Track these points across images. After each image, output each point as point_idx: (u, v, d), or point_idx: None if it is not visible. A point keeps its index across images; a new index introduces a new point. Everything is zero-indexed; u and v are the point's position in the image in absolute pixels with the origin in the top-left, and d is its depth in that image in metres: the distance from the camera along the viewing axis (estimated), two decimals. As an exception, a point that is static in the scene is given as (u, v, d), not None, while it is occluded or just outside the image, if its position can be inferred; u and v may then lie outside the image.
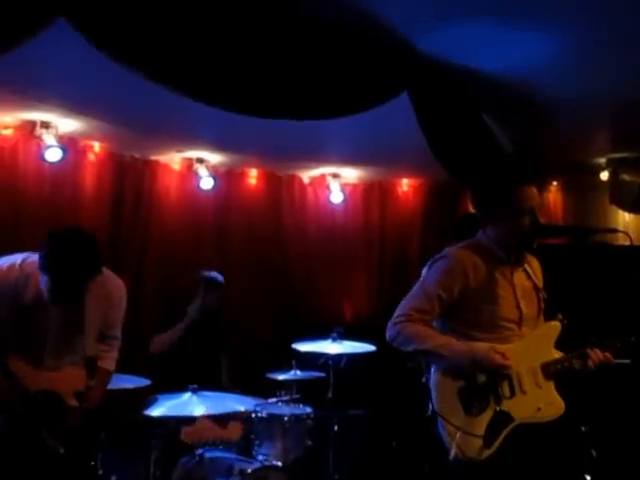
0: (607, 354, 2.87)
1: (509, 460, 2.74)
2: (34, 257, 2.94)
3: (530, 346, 2.89)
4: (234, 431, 3.65)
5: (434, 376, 2.86)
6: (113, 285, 3.23)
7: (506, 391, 2.82)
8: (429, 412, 2.91)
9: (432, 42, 4.17)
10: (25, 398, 2.85)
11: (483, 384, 2.79)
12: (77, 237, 2.88)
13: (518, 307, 2.90)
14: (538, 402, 2.83)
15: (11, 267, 2.97)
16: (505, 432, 2.76)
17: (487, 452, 2.72)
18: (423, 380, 4.58)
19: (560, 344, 2.97)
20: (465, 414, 2.75)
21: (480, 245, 2.94)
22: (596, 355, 2.85)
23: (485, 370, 2.78)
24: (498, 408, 2.77)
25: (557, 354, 2.94)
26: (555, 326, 2.95)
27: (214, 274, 5.12)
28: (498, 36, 4.08)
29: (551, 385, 2.90)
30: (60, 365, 3.04)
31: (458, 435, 2.70)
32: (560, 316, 2.95)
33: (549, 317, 2.98)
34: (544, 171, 6.09)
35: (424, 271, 3.82)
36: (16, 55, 3.41)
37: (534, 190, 2.89)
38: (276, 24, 3.93)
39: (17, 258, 3.01)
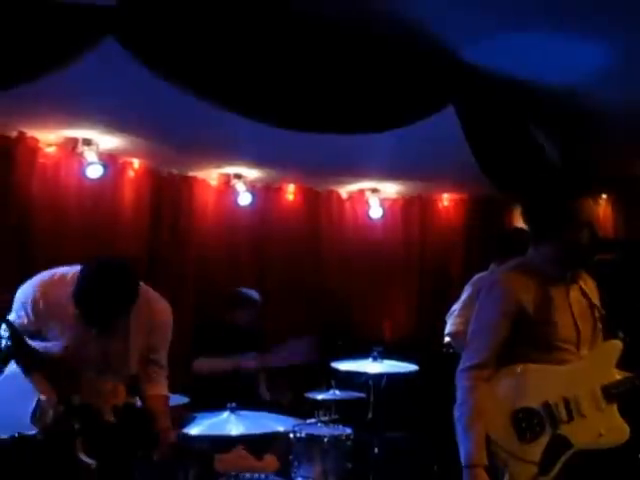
0: None
1: None
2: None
3: (589, 367, 2.74)
4: (271, 464, 3.50)
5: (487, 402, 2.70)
6: (157, 308, 3.14)
7: (563, 415, 2.66)
8: None
9: (479, 53, 4.11)
10: (66, 403, 2.76)
11: (538, 408, 2.64)
12: (107, 270, 2.83)
13: (576, 327, 2.75)
14: (599, 427, 2.66)
15: (62, 278, 2.92)
16: (563, 459, 2.60)
17: (544, 479, 2.58)
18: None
19: (622, 364, 2.81)
20: (519, 440, 2.60)
21: (531, 265, 2.79)
22: None
23: None
24: (556, 432, 2.62)
25: (619, 375, 2.78)
26: (616, 345, 2.80)
27: (247, 291, 5.07)
28: (547, 46, 4.02)
29: (613, 409, 2.73)
30: (100, 380, 2.96)
31: (511, 462, 2.57)
32: (621, 334, 2.81)
33: (608, 336, 2.83)
34: (596, 184, 5.95)
35: (473, 295, 3.67)
36: (59, 74, 3.46)
37: (591, 203, 2.76)
38: (321, 38, 3.91)
39: (66, 270, 2.97)
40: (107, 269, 2.84)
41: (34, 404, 2.72)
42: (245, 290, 5.08)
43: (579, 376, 2.71)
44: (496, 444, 2.59)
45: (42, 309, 2.86)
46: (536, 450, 2.60)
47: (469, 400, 2.65)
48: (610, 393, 2.72)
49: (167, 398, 3.21)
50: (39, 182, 4.99)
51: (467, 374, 2.68)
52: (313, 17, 3.81)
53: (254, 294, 5.06)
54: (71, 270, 2.92)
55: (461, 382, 2.70)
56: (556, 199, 2.76)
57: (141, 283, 3.02)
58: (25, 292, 2.90)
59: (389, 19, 3.79)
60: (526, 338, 2.70)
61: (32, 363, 2.79)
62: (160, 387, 3.17)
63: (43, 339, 2.91)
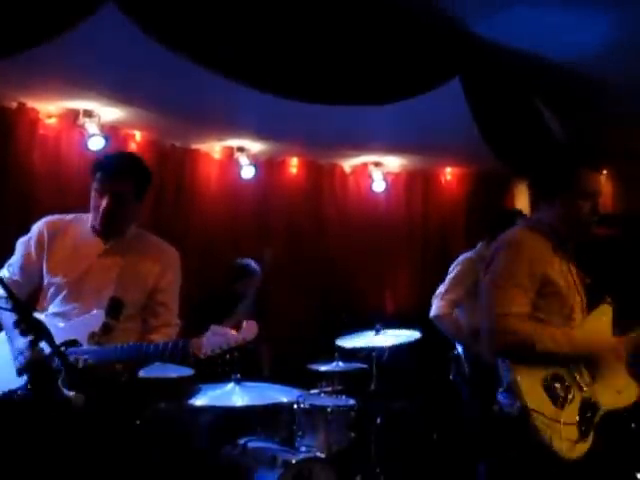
0: None
1: (607, 453, 2.62)
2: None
3: (595, 330, 2.78)
4: (249, 329, 3.21)
5: (511, 373, 2.63)
6: (166, 249, 3.07)
7: (587, 377, 2.68)
8: (515, 409, 2.60)
9: (487, 25, 4.09)
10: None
11: (564, 372, 2.64)
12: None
13: (580, 295, 2.79)
14: (617, 385, 2.71)
15: (64, 215, 3.07)
16: (595, 421, 2.61)
17: (584, 445, 2.56)
18: (450, 377, 4.51)
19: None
20: (554, 405, 2.57)
21: (539, 230, 2.76)
22: None
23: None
24: (583, 395, 2.62)
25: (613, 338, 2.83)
26: (608, 309, 2.85)
27: (247, 262, 5.06)
28: (555, 19, 4.01)
29: (623, 367, 2.78)
30: (81, 309, 2.87)
31: (554, 428, 2.52)
32: (609, 299, 2.85)
33: (595, 303, 2.87)
34: (599, 157, 5.93)
35: (460, 275, 3.60)
36: (59, 43, 3.42)
37: (596, 175, 2.77)
38: (327, 5, 3.86)
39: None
40: None
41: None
42: (244, 260, 5.08)
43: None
44: (536, 412, 2.54)
45: (46, 238, 2.92)
46: (572, 413, 2.59)
47: (530, 334, 2.58)
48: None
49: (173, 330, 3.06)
50: (40, 154, 4.97)
51: (510, 319, 2.58)
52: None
53: (252, 264, 5.06)
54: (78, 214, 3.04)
55: (494, 343, 2.62)
56: (561, 168, 2.77)
57: None
58: (32, 229, 2.99)
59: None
60: (550, 302, 2.69)
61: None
62: (167, 320, 3.03)
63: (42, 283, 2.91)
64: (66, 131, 5.07)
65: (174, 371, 3.94)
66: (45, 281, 2.91)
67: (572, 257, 2.83)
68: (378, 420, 4.63)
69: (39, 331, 2.30)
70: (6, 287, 2.34)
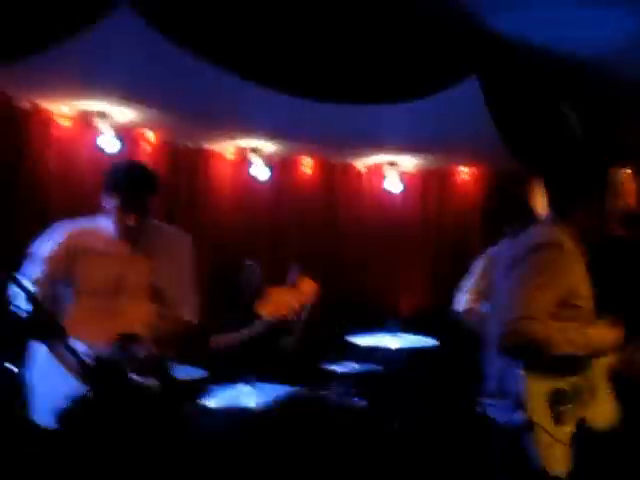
0: None
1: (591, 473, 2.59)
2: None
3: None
4: (306, 290, 3.21)
5: (523, 383, 2.57)
6: (182, 237, 3.33)
7: (587, 395, 2.63)
8: (519, 422, 2.56)
9: (505, 21, 4.02)
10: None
11: (568, 388, 2.59)
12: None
13: (594, 301, 2.72)
14: (608, 405, 2.69)
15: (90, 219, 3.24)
16: (584, 440, 2.58)
17: (570, 465, 2.53)
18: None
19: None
20: (553, 422, 2.54)
21: (568, 230, 2.67)
22: None
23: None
24: (580, 413, 2.59)
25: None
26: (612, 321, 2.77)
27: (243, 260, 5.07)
28: (574, 14, 3.92)
29: (609, 386, 2.74)
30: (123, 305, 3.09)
31: (553, 445, 2.50)
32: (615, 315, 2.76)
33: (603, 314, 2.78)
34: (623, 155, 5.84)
35: (487, 267, 3.57)
36: (72, 44, 3.43)
37: (621, 174, 2.71)
38: (339, 5, 3.83)
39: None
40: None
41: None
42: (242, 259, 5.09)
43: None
44: (542, 428, 2.51)
45: (72, 248, 3.07)
46: (566, 433, 2.55)
47: (533, 335, 2.49)
48: (613, 372, 2.72)
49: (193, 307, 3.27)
50: (53, 155, 4.96)
51: (528, 322, 2.49)
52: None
53: (249, 261, 5.04)
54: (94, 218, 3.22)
55: (511, 339, 2.53)
56: (592, 168, 2.71)
57: None
58: (53, 237, 3.12)
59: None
60: (565, 313, 2.59)
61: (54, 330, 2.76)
62: (189, 299, 3.25)
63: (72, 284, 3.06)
64: (79, 132, 5.06)
65: (185, 372, 3.94)
66: (81, 284, 3.06)
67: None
68: (391, 423, 4.59)
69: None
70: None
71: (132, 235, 3.12)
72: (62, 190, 5.00)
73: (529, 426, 2.50)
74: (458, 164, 6.68)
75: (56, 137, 4.97)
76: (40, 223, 4.83)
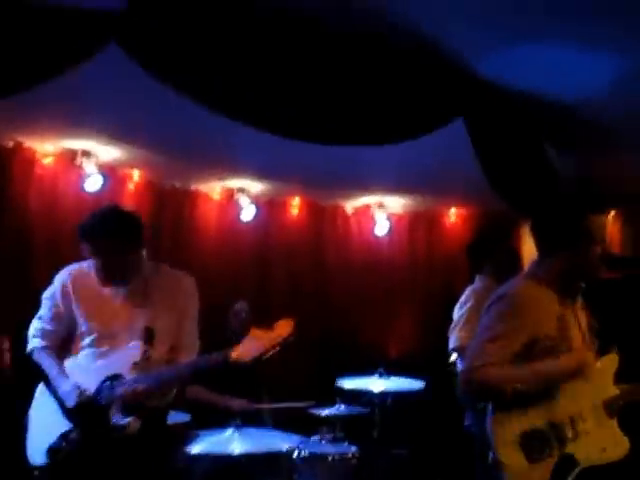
0: None
1: None
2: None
3: (591, 383, 2.71)
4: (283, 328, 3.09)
5: (491, 422, 2.63)
6: (182, 278, 3.26)
7: (569, 432, 2.61)
8: (490, 461, 2.62)
9: (490, 65, 4.05)
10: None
11: (545, 427, 2.58)
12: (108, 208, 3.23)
13: (585, 343, 2.74)
14: (603, 442, 2.65)
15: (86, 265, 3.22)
16: (571, 477, 2.55)
17: None
18: (466, 422, 4.38)
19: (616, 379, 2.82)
20: (527, 461, 2.54)
21: (541, 278, 2.71)
22: None
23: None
24: (563, 452, 2.56)
25: (616, 389, 2.77)
26: (613, 359, 2.81)
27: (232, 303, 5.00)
28: (559, 59, 3.96)
29: (614, 423, 2.73)
30: (116, 347, 3.09)
31: None
32: (615, 349, 2.81)
33: (603, 351, 2.83)
34: (606, 200, 5.87)
35: (475, 306, 3.61)
36: (58, 83, 3.39)
37: (603, 219, 2.77)
38: (331, 48, 3.85)
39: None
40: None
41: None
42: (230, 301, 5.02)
43: (582, 392, 2.67)
44: (507, 467, 2.53)
45: (72, 291, 3.12)
46: (545, 470, 2.54)
47: (486, 378, 2.56)
48: (612, 408, 2.72)
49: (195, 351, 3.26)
50: (36, 194, 4.88)
51: (482, 370, 2.56)
52: (323, 28, 3.75)
53: (238, 303, 5.04)
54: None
55: (468, 385, 2.62)
56: (569, 216, 2.72)
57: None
58: (54, 283, 3.19)
59: (401, 31, 3.74)
60: (538, 353, 2.62)
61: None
62: (190, 343, 3.22)
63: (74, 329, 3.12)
64: (63, 171, 4.99)
65: (169, 417, 3.82)
66: (78, 327, 3.11)
67: (583, 304, 2.79)
68: (381, 468, 4.50)
69: None
70: None
71: (104, 278, 3.09)
72: (45, 229, 4.91)
73: (498, 466, 2.55)
74: (446, 206, 6.68)
75: (39, 176, 4.89)
76: (23, 262, 4.80)
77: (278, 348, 2.86)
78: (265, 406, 4.79)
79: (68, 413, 2.93)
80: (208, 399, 4.61)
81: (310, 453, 3.99)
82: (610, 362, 2.80)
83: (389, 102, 4.08)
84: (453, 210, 6.73)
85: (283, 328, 2.87)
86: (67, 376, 3.04)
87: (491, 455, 2.59)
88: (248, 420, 3.88)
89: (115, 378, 2.96)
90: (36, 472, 2.81)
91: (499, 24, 3.65)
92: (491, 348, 2.57)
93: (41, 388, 3.13)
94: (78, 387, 2.95)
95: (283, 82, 3.80)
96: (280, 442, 3.90)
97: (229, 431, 3.81)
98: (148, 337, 2.95)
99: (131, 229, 3.11)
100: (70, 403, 2.92)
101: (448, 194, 6.22)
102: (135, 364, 2.93)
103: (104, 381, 2.96)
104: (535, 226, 2.82)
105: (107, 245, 3.02)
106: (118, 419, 2.86)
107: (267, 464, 3.91)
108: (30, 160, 4.85)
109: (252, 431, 3.88)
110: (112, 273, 3.06)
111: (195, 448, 3.64)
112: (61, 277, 3.21)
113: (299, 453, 3.96)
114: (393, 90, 4.08)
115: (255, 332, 2.84)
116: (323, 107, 3.93)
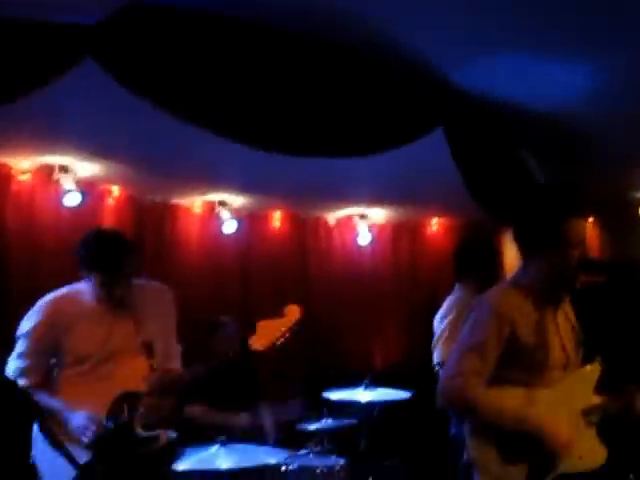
0: None
1: None
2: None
3: (570, 390, 2.70)
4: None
5: (469, 424, 2.66)
6: (162, 290, 3.38)
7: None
8: (464, 461, 2.66)
9: (468, 75, 4.10)
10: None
11: (522, 432, 2.56)
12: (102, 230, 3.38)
13: (565, 351, 2.73)
14: (579, 450, 2.63)
15: (67, 290, 3.24)
16: None
17: None
18: (452, 432, 4.36)
19: (598, 388, 2.81)
20: (503, 463, 2.54)
21: (523, 285, 2.73)
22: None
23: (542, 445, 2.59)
24: (538, 455, 2.55)
25: (596, 399, 2.76)
26: (595, 369, 2.79)
27: (219, 318, 4.94)
28: (533, 69, 4.02)
29: (593, 432, 2.73)
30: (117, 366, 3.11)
31: None
32: (599, 359, 2.81)
33: (586, 359, 2.83)
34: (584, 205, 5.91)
35: (456, 319, 3.61)
36: (34, 98, 3.36)
37: (581, 224, 2.75)
38: (305, 58, 3.86)
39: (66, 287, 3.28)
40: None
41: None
42: (216, 317, 4.95)
43: (561, 399, 2.66)
44: (482, 467, 2.55)
45: (60, 323, 3.10)
46: (520, 474, 2.55)
47: (465, 396, 2.56)
48: (590, 417, 2.71)
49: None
50: (13, 211, 4.80)
51: (460, 378, 2.57)
52: (300, 38, 3.77)
53: (225, 318, 4.93)
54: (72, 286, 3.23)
55: (447, 394, 2.61)
56: (547, 220, 2.72)
57: None
58: (31, 320, 3.15)
59: (378, 42, 3.77)
60: (515, 360, 2.63)
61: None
62: (175, 351, 3.33)
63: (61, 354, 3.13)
64: (40, 187, 4.91)
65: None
66: (67, 357, 3.10)
67: (566, 310, 2.80)
68: (370, 479, 4.47)
69: None
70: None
71: (115, 299, 3.13)
72: (22, 247, 4.83)
73: (472, 465, 2.56)
74: (428, 216, 6.70)
75: (16, 192, 4.81)
76: (0, 279, 4.71)
77: (289, 334, 3.00)
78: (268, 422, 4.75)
79: (90, 444, 2.90)
80: (208, 417, 4.56)
81: (298, 466, 3.95)
82: (591, 372, 2.79)
83: (369, 113, 4.10)
84: (435, 220, 6.75)
85: (293, 313, 2.98)
86: (71, 409, 3.00)
87: (466, 456, 2.61)
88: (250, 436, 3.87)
89: (130, 397, 2.97)
90: None
91: (477, 34, 3.69)
92: (470, 357, 2.58)
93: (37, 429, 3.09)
94: (91, 418, 2.92)
95: (263, 95, 3.80)
96: (267, 456, 3.86)
97: (215, 447, 3.78)
98: (148, 351, 2.99)
99: (129, 245, 3.19)
100: (86, 437, 2.89)
101: (429, 204, 6.24)
102: (144, 377, 2.96)
103: (115, 402, 2.96)
104: (516, 231, 2.82)
105: (119, 270, 3.05)
106: (145, 434, 2.92)
107: (255, 479, 3.88)
108: (6, 177, 4.77)
109: (238, 446, 3.84)
110: (118, 294, 3.09)
111: (182, 465, 3.58)
112: (43, 310, 3.16)
113: (287, 467, 3.92)
114: (373, 101, 4.09)
115: (264, 322, 2.95)
116: (303, 119, 3.93)
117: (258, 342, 2.89)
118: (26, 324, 3.16)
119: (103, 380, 3.06)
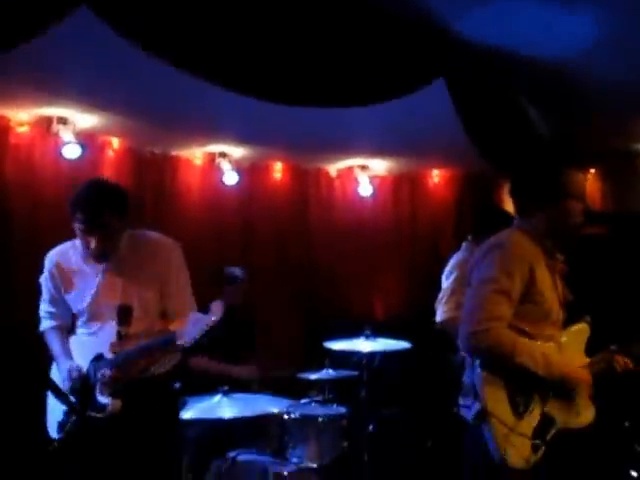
0: (627, 361, 2.75)
1: (552, 469, 2.59)
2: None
3: (567, 347, 2.73)
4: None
5: (479, 374, 2.61)
6: (159, 242, 3.25)
7: (550, 393, 2.63)
8: (474, 413, 2.59)
9: (470, 24, 4.00)
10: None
11: (531, 381, 2.58)
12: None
13: (561, 305, 2.74)
14: (577, 407, 2.69)
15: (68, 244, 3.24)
16: (548, 437, 2.59)
17: (534, 458, 2.54)
18: (463, 379, 4.41)
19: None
20: (513, 414, 2.55)
21: (530, 233, 2.70)
22: (622, 361, 2.75)
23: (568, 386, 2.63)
24: (544, 409, 2.59)
25: (586, 358, 2.79)
26: (585, 329, 2.82)
27: (231, 270, 4.94)
28: (538, 17, 3.91)
29: (586, 389, 2.75)
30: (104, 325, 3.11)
31: (510, 437, 2.50)
32: (588, 318, 2.82)
33: (576, 317, 2.84)
34: (585, 157, 5.88)
35: (460, 278, 3.58)
36: (31, 49, 3.29)
37: (582, 176, 2.75)
38: (305, 7, 3.78)
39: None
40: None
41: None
42: (229, 268, 4.96)
43: (564, 355, 2.69)
44: (497, 418, 2.52)
45: (58, 275, 3.17)
46: (528, 425, 2.57)
47: (496, 341, 2.51)
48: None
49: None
50: (12, 164, 4.79)
51: (495, 322, 2.51)
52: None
53: (237, 271, 4.94)
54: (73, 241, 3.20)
55: (476, 342, 2.54)
56: (549, 170, 2.71)
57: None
58: (45, 268, 3.22)
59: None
60: (523, 309, 2.61)
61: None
62: (182, 310, 3.14)
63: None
64: (39, 139, 4.89)
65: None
66: (72, 308, 3.19)
67: (560, 268, 2.78)
68: (371, 428, 4.54)
69: None
70: None
71: (100, 255, 3.07)
72: (22, 199, 4.83)
73: (483, 416, 2.52)
74: (430, 167, 6.67)
75: (15, 145, 4.79)
76: (2, 231, 4.72)
77: (209, 331, 2.82)
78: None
79: (68, 392, 2.98)
80: (214, 368, 4.60)
81: (300, 415, 3.99)
82: (583, 331, 2.82)
83: (369, 63, 4.04)
84: (436, 172, 6.72)
85: (217, 310, 2.84)
86: (70, 357, 3.11)
87: (476, 407, 2.56)
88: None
89: (98, 359, 3.01)
90: (55, 444, 2.91)
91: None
92: (498, 301, 2.54)
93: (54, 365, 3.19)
94: (73, 368, 3.01)
95: (263, 44, 3.73)
96: (270, 406, 3.94)
97: (217, 397, 3.86)
98: (122, 316, 2.92)
99: (122, 198, 3.10)
100: (65, 385, 2.98)
101: (430, 156, 6.19)
102: (111, 345, 2.95)
103: (92, 361, 3.02)
104: (515, 184, 2.80)
105: (104, 218, 2.98)
106: (99, 400, 2.93)
107: (258, 427, 3.95)
108: (4, 129, 4.75)
109: (240, 396, 3.93)
110: (104, 249, 3.02)
111: (186, 414, 3.65)
112: (47, 263, 3.22)
113: (289, 416, 3.97)
114: (373, 50, 4.03)
115: (196, 315, 2.84)
116: (302, 68, 3.87)
117: (184, 337, 2.81)
118: (44, 272, 3.24)
119: (91, 337, 3.12)
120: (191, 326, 2.80)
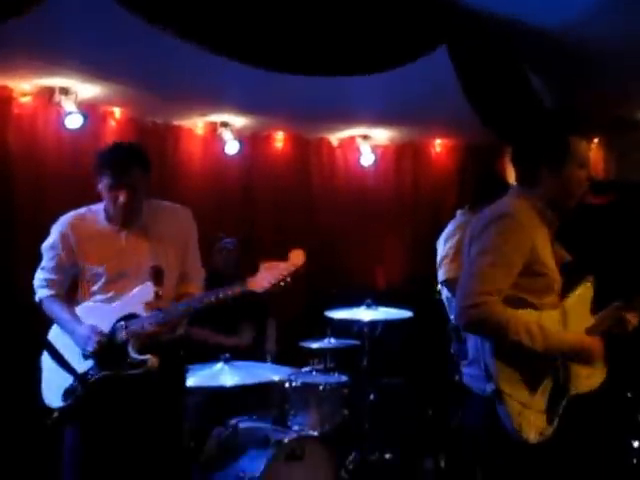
0: (635, 316, 2.69)
1: (567, 439, 2.55)
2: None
3: (572, 311, 2.66)
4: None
5: (490, 351, 2.52)
6: (176, 209, 3.35)
7: (559, 361, 2.58)
8: (487, 391, 2.52)
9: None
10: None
11: (540, 354, 2.52)
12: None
13: (560, 273, 2.67)
14: (586, 369, 2.62)
15: (84, 210, 3.25)
16: (562, 405, 2.54)
17: (549, 430, 2.50)
18: (452, 351, 4.43)
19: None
20: (527, 389, 2.50)
21: (531, 201, 2.64)
22: (633, 319, 2.67)
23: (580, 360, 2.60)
24: (555, 379, 2.55)
25: (592, 319, 2.71)
26: (589, 289, 2.74)
27: (223, 238, 4.97)
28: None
29: None
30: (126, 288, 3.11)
31: (525, 413, 2.47)
32: (590, 278, 2.74)
33: (578, 279, 2.76)
34: (589, 125, 5.84)
35: (463, 239, 3.54)
36: (33, 18, 3.27)
37: (586, 143, 2.67)
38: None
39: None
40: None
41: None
42: (221, 236, 4.98)
43: (567, 320, 2.63)
44: (509, 395, 2.47)
45: (74, 238, 3.15)
46: (542, 399, 2.53)
47: (491, 318, 2.43)
48: (593, 334, 2.67)
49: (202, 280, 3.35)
50: (15, 134, 4.79)
51: (471, 303, 2.44)
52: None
53: (226, 240, 4.98)
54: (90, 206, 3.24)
55: (470, 317, 2.45)
56: (552, 136, 2.65)
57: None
58: (52, 234, 3.20)
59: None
60: (527, 281, 2.55)
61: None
62: (197, 274, 3.31)
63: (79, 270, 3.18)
64: (42, 109, 4.88)
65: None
66: (85, 274, 3.16)
67: (555, 235, 2.72)
68: (371, 396, 4.59)
69: None
70: None
71: (125, 215, 3.11)
72: (25, 169, 4.83)
73: (498, 396, 2.47)
74: (432, 136, 6.64)
75: (17, 115, 4.79)
76: (5, 201, 4.74)
77: (289, 279, 2.88)
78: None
79: (87, 355, 2.99)
80: (216, 341, 4.63)
81: (302, 383, 4.04)
82: (587, 291, 2.74)
83: (371, 30, 4.01)
84: (438, 141, 6.70)
85: (296, 258, 2.90)
86: (80, 321, 3.08)
87: (491, 386, 2.49)
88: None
89: (129, 318, 3.01)
90: (56, 414, 2.82)
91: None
92: (494, 274, 2.46)
93: (54, 332, 3.16)
94: (94, 329, 3.00)
95: (265, 13, 3.70)
96: (271, 374, 3.98)
97: (219, 365, 3.89)
98: (156, 277, 2.96)
99: (147, 159, 3.19)
100: (89, 346, 2.98)
101: (432, 125, 6.17)
102: (147, 304, 2.96)
103: (118, 321, 3.02)
104: (517, 150, 2.72)
105: (127, 172, 3.04)
106: (136, 357, 2.93)
107: (259, 395, 3.99)
108: (7, 99, 4.74)
109: (241, 364, 3.96)
110: (131, 206, 3.06)
111: (188, 382, 3.68)
112: (59, 226, 3.20)
113: (290, 384, 4.01)
114: (374, 18, 3.99)
115: (267, 263, 2.88)
116: (303, 36, 3.85)
117: (258, 283, 2.84)
118: (49, 239, 3.21)
119: (111, 300, 3.10)
120: (265, 272, 2.84)
